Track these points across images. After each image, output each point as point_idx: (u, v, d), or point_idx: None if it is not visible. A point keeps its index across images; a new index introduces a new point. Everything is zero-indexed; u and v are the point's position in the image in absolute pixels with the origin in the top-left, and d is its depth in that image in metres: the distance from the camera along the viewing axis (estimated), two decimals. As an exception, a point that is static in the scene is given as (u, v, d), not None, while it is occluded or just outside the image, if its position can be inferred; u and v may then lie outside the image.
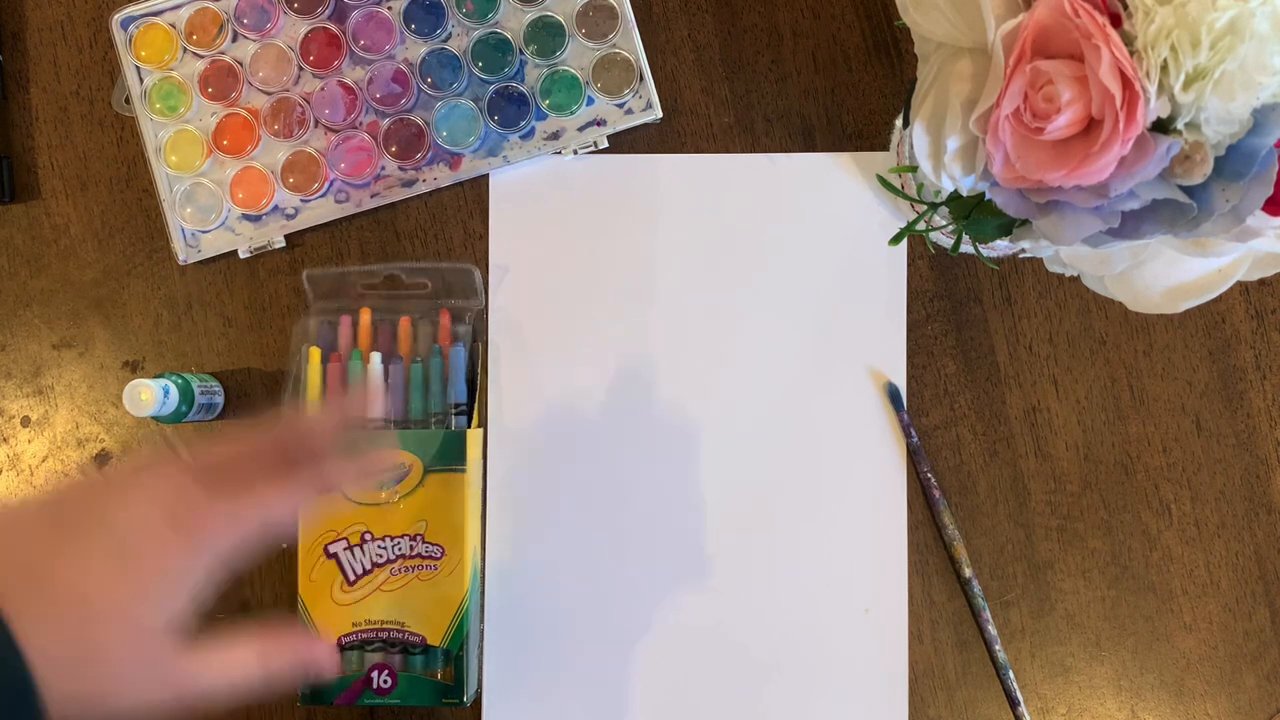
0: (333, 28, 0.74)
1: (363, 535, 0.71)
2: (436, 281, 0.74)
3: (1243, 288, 0.73)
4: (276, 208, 0.75)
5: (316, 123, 0.74)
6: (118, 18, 0.74)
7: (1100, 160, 0.44)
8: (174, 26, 0.74)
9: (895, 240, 0.60)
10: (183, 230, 0.75)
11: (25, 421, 0.75)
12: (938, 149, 0.50)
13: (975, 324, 0.74)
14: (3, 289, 0.75)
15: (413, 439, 0.71)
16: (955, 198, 0.55)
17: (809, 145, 0.75)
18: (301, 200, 0.75)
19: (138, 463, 0.48)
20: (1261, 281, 0.73)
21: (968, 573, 0.72)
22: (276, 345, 0.75)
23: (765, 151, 0.75)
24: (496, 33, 0.74)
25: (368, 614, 0.71)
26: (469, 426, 0.73)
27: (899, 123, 0.70)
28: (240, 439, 0.49)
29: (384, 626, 0.71)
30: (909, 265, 0.74)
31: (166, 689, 0.45)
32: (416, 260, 0.75)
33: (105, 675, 0.43)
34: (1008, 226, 0.54)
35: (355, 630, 0.71)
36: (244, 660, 0.47)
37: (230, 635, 0.47)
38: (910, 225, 0.60)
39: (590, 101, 0.74)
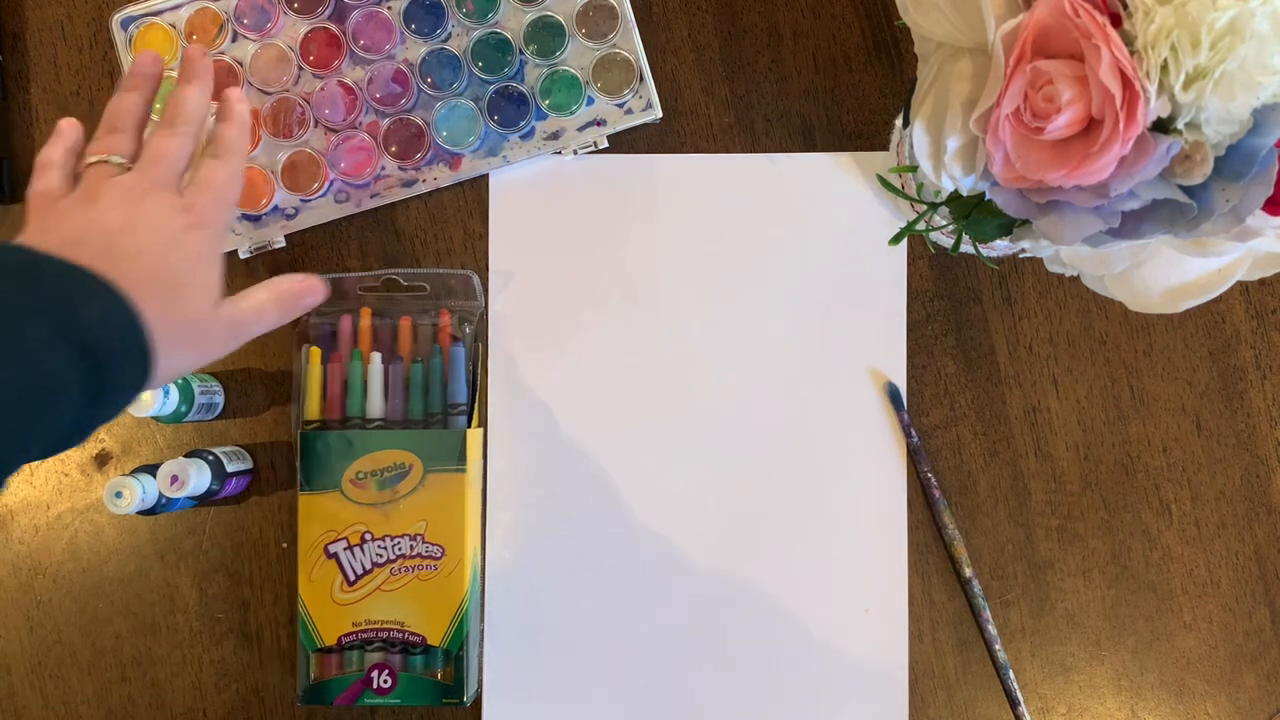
0: (333, 28, 0.74)
1: (363, 535, 0.71)
2: (435, 285, 0.74)
3: (1243, 288, 0.73)
4: (276, 208, 0.75)
5: (316, 123, 0.74)
6: (118, 18, 0.74)
7: (1100, 160, 0.44)
8: (174, 27, 0.74)
9: (895, 240, 0.60)
10: (183, 230, 0.74)
11: (25, 421, 0.75)
12: (938, 149, 0.50)
13: (975, 324, 0.74)
14: (3, 289, 0.75)
15: (413, 439, 0.71)
16: (955, 198, 0.55)
17: (809, 145, 0.75)
18: (301, 200, 0.75)
19: (138, 189, 0.60)
20: (1261, 281, 0.73)
21: (968, 572, 0.72)
22: (276, 345, 0.75)
23: (765, 151, 0.75)
24: (496, 33, 0.74)
25: (368, 614, 0.71)
26: (469, 426, 0.73)
27: (899, 123, 0.70)
28: (168, 130, 0.63)
29: (384, 626, 0.71)
30: (909, 265, 0.74)
31: (221, 326, 0.61)
32: (416, 262, 0.75)
33: (192, 330, 0.59)
34: (1008, 226, 0.54)
35: (355, 630, 0.71)
36: (261, 296, 0.63)
37: (250, 289, 0.63)
38: (910, 225, 0.60)
39: (590, 101, 0.74)
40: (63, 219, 0.59)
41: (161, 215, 0.59)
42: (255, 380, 0.75)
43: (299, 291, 0.65)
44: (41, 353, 0.50)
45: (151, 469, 0.69)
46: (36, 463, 0.74)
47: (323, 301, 0.66)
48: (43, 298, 0.52)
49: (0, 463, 0.51)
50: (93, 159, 0.62)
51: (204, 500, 0.71)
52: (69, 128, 0.64)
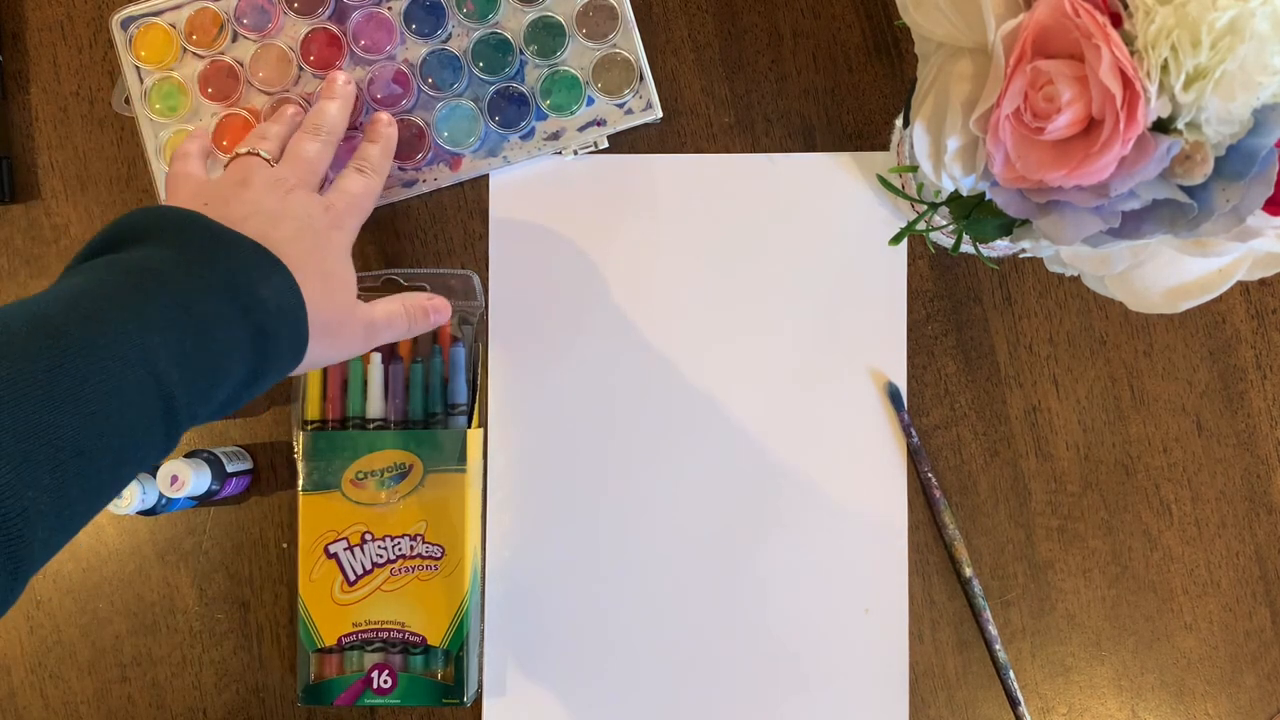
0: (333, 28, 0.74)
1: (363, 535, 0.71)
2: (435, 285, 0.74)
3: (1243, 288, 0.73)
4: (276, 208, 0.75)
5: (316, 123, 0.74)
6: (118, 18, 0.74)
7: (1101, 160, 0.44)
8: (174, 27, 0.74)
9: (895, 240, 0.60)
10: (183, 230, 0.74)
11: (25, 422, 0.75)
12: (938, 149, 0.50)
13: (975, 324, 0.74)
14: (2, 289, 0.75)
15: (413, 439, 0.71)
16: (955, 198, 0.55)
17: (809, 145, 0.75)
18: (301, 200, 0.75)
19: (284, 186, 0.64)
20: (1262, 281, 0.73)
21: (968, 572, 0.72)
22: (277, 345, 0.75)
23: (765, 151, 0.75)
24: (497, 33, 0.74)
25: (368, 614, 0.71)
26: (469, 426, 0.73)
27: (899, 123, 0.70)
28: (312, 138, 0.68)
29: (384, 626, 0.71)
30: (909, 265, 0.74)
31: (359, 324, 0.63)
32: (416, 262, 0.75)
33: (336, 323, 0.61)
34: (1008, 226, 0.54)
35: (355, 630, 0.71)
36: (395, 306, 0.66)
37: (384, 298, 0.66)
38: (910, 225, 0.60)
39: (590, 102, 0.74)
40: (225, 197, 0.61)
41: (309, 208, 0.62)
42: (255, 380, 0.75)
43: (428, 309, 0.68)
44: (223, 327, 0.53)
45: (151, 469, 0.69)
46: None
47: (446, 323, 0.70)
48: (226, 270, 0.54)
49: (181, 421, 0.52)
50: (243, 150, 0.65)
51: (204, 500, 0.71)
52: (202, 132, 0.69)
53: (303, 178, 0.65)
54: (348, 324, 0.62)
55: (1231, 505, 0.73)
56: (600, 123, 0.74)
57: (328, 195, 0.65)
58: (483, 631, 0.74)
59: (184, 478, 0.68)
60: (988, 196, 0.51)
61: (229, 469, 0.71)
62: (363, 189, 0.67)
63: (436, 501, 0.71)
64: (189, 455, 0.71)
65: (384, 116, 0.70)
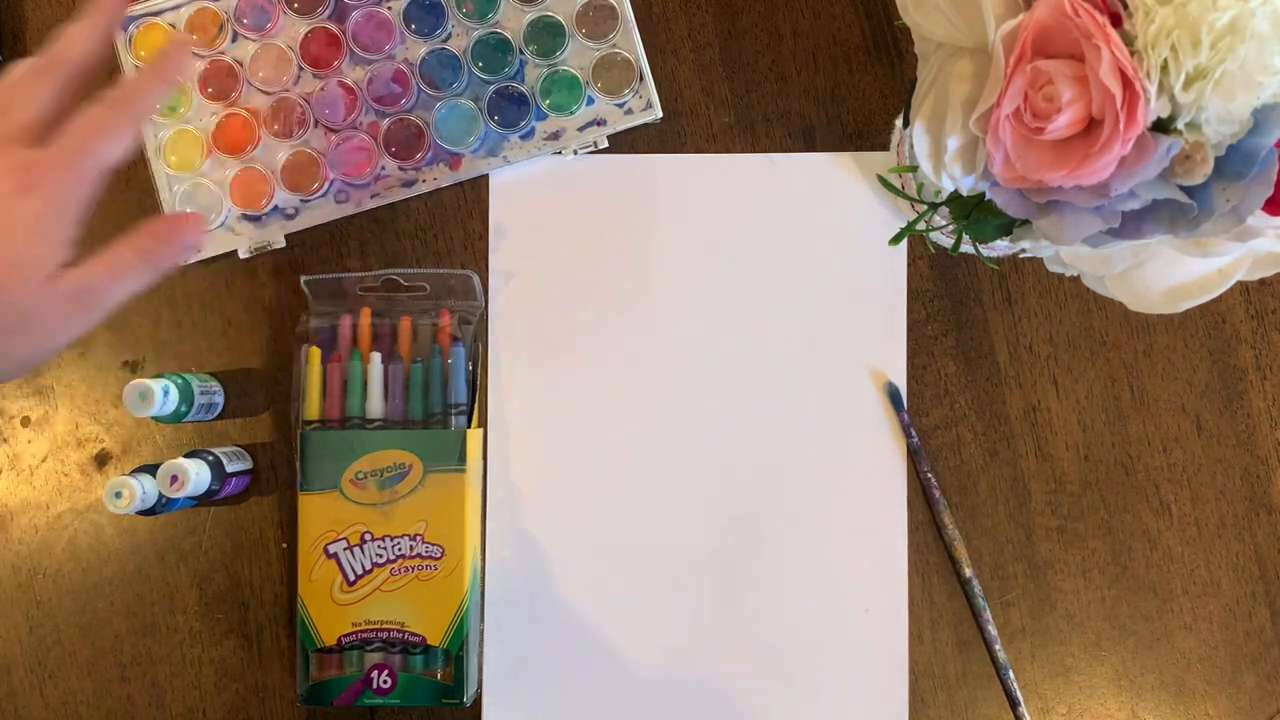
0: (332, 28, 0.74)
1: (363, 535, 0.71)
2: (435, 285, 0.74)
3: (1243, 288, 0.73)
4: (276, 208, 0.75)
5: (316, 123, 0.74)
6: (117, 18, 0.74)
7: (1100, 160, 0.44)
8: (174, 27, 0.74)
9: (895, 240, 0.60)
10: (183, 230, 0.74)
11: (25, 421, 0.75)
12: (938, 149, 0.50)
13: (975, 324, 0.74)
14: (2, 289, 0.75)
15: (412, 439, 0.71)
16: (955, 198, 0.55)
17: (809, 145, 0.75)
18: (301, 200, 0.75)
19: None
20: (1262, 282, 0.73)
21: (968, 572, 0.72)
22: (276, 345, 0.75)
23: (765, 151, 0.75)
24: (496, 33, 0.74)
25: (368, 614, 0.71)
26: (469, 426, 0.73)
27: (899, 123, 0.70)
28: (31, 73, 0.55)
29: (384, 626, 0.71)
30: (909, 265, 0.74)
31: (62, 300, 0.52)
32: (416, 262, 0.75)
33: (12, 316, 0.51)
34: (1008, 226, 0.54)
35: (355, 630, 0.71)
36: (121, 255, 0.54)
37: (107, 243, 0.55)
38: (910, 225, 0.60)
39: (590, 101, 0.74)
40: None
41: None
42: (255, 380, 0.75)
43: (166, 233, 0.55)
44: None
45: (151, 469, 0.69)
46: (36, 463, 0.74)
47: (202, 241, 0.60)
48: None
49: None
50: None
51: (204, 500, 0.71)
52: None
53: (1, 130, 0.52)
54: (35, 310, 0.51)
55: (1231, 505, 0.73)
56: (600, 123, 0.74)
57: (40, 147, 0.52)
58: (482, 631, 0.74)
59: (184, 478, 0.68)
60: (988, 196, 0.51)
61: (229, 469, 0.71)
62: (93, 127, 0.53)
63: (436, 501, 0.71)
64: (189, 455, 0.71)
65: (179, 43, 0.57)
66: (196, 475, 0.68)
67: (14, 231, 0.51)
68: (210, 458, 0.70)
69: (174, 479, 0.68)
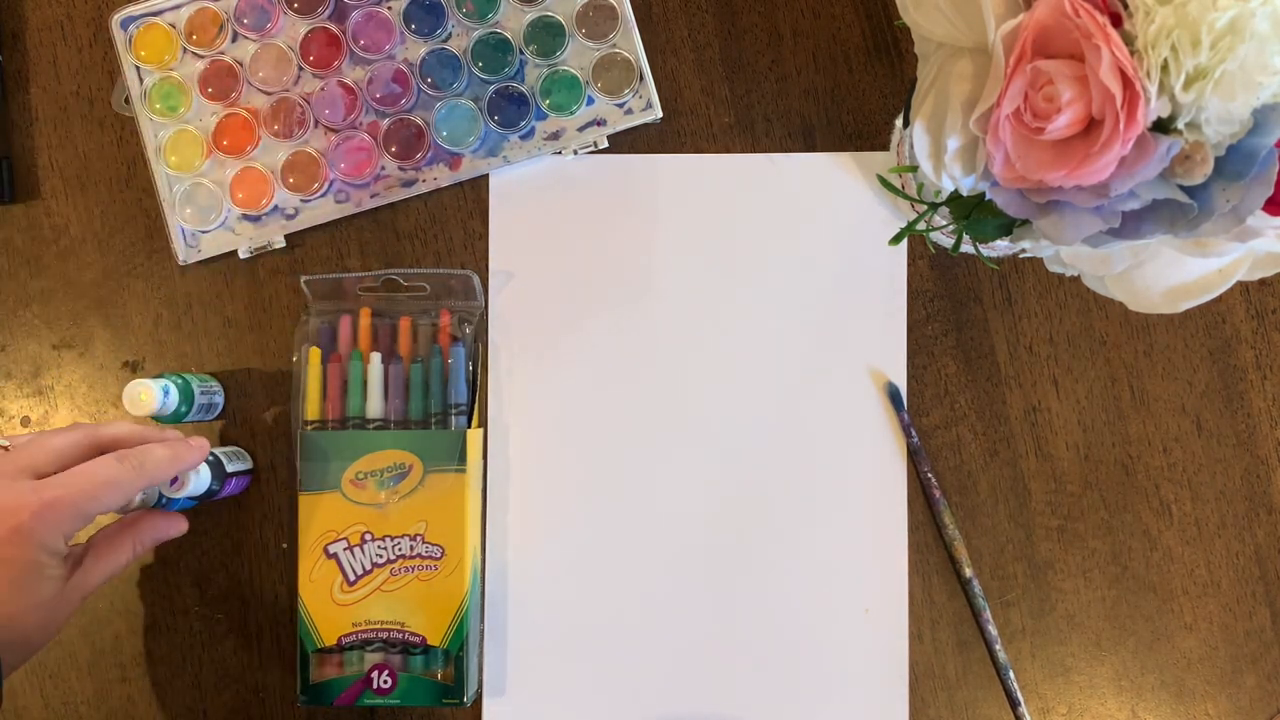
0: (333, 28, 0.74)
1: (363, 535, 0.71)
2: (435, 285, 0.74)
3: (1243, 288, 0.73)
4: (276, 208, 0.75)
5: (316, 123, 0.74)
6: (118, 17, 0.74)
7: (1101, 160, 0.44)
8: (174, 26, 0.74)
9: (895, 240, 0.60)
10: (182, 230, 0.75)
11: (25, 422, 0.75)
12: (938, 149, 0.50)
13: (976, 324, 0.74)
14: (3, 289, 0.75)
15: (412, 439, 0.71)
16: (955, 198, 0.55)
17: (809, 145, 0.75)
18: (301, 200, 0.75)
19: None
20: (1262, 281, 0.73)
21: (968, 573, 0.72)
22: (276, 345, 0.75)
23: (765, 151, 0.75)
24: (496, 33, 0.74)
25: (368, 614, 0.71)
26: (469, 426, 0.73)
27: (899, 123, 0.70)
28: (55, 434, 0.63)
29: (384, 627, 0.71)
30: (909, 265, 0.74)
31: (72, 606, 0.62)
32: (416, 262, 0.75)
33: (40, 625, 0.60)
34: (1008, 226, 0.54)
35: (355, 630, 0.71)
36: (121, 561, 0.65)
37: (107, 538, 0.65)
38: (910, 225, 0.60)
39: (590, 101, 0.74)
40: None
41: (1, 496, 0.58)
42: (255, 380, 0.75)
43: (161, 538, 0.67)
44: None
45: None
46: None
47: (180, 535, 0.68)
48: None
49: None
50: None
51: (204, 500, 0.71)
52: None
53: (25, 465, 0.60)
54: (55, 618, 0.61)
55: (1231, 505, 0.73)
56: (600, 122, 0.74)
57: (50, 477, 0.60)
58: (482, 631, 0.74)
59: (184, 478, 0.68)
60: (988, 196, 0.51)
61: (229, 469, 0.71)
62: (104, 478, 0.61)
63: (436, 501, 0.71)
64: None
65: (198, 441, 0.66)
66: (197, 476, 0.68)
67: (17, 564, 0.58)
68: (211, 458, 0.70)
69: (174, 480, 0.68)
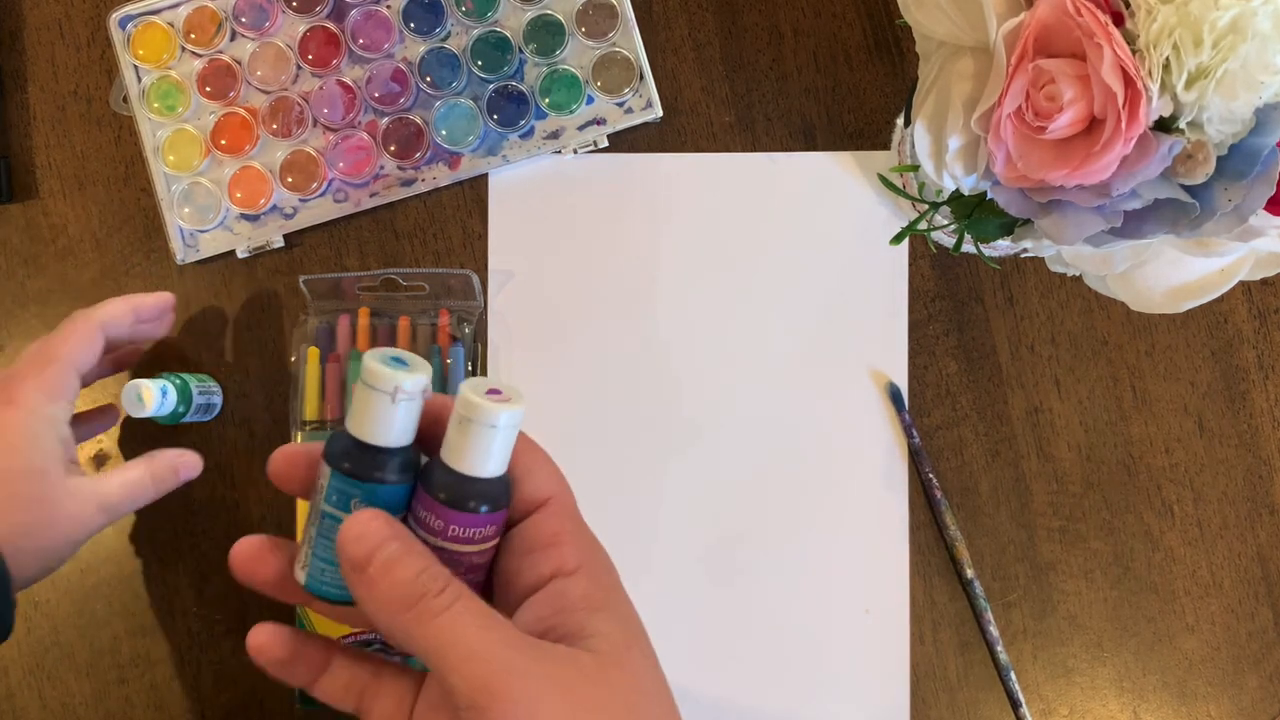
0: (331, 26, 0.74)
1: (362, 536, 0.71)
2: (434, 285, 0.73)
3: (1245, 288, 0.73)
4: (275, 207, 0.74)
5: (315, 122, 0.74)
6: (115, 16, 0.74)
7: (1102, 159, 0.44)
8: (172, 25, 0.74)
9: (896, 240, 0.60)
10: (181, 230, 0.74)
11: (23, 422, 0.75)
12: (939, 148, 0.50)
13: (977, 324, 0.73)
14: (1, 289, 0.75)
15: (412, 439, 0.71)
16: (957, 197, 0.55)
17: (809, 144, 0.74)
18: (300, 200, 0.74)
19: None
20: (1264, 281, 0.73)
21: (970, 574, 0.72)
22: (275, 345, 0.75)
23: (765, 151, 0.74)
24: (496, 31, 0.73)
25: (367, 615, 0.71)
26: (468, 427, 0.72)
27: (900, 122, 0.69)
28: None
29: (383, 627, 0.71)
30: (910, 265, 0.74)
31: (90, 505, 0.61)
32: (415, 262, 0.75)
33: (43, 521, 0.59)
34: (1009, 226, 0.54)
35: (354, 632, 0.71)
36: (136, 473, 0.65)
37: (125, 465, 0.66)
38: (912, 225, 0.60)
39: (590, 100, 0.74)
40: None
41: None
42: (254, 380, 0.75)
43: (177, 466, 0.67)
44: None
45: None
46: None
47: (196, 475, 0.69)
48: None
49: None
50: None
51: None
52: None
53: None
54: (57, 515, 0.60)
55: (1234, 506, 0.73)
56: (600, 121, 0.74)
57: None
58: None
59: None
60: (989, 196, 0.51)
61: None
62: (75, 340, 0.65)
63: (435, 502, 0.71)
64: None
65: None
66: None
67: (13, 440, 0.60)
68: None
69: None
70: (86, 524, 0.61)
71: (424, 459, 0.43)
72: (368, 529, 0.39)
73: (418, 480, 0.42)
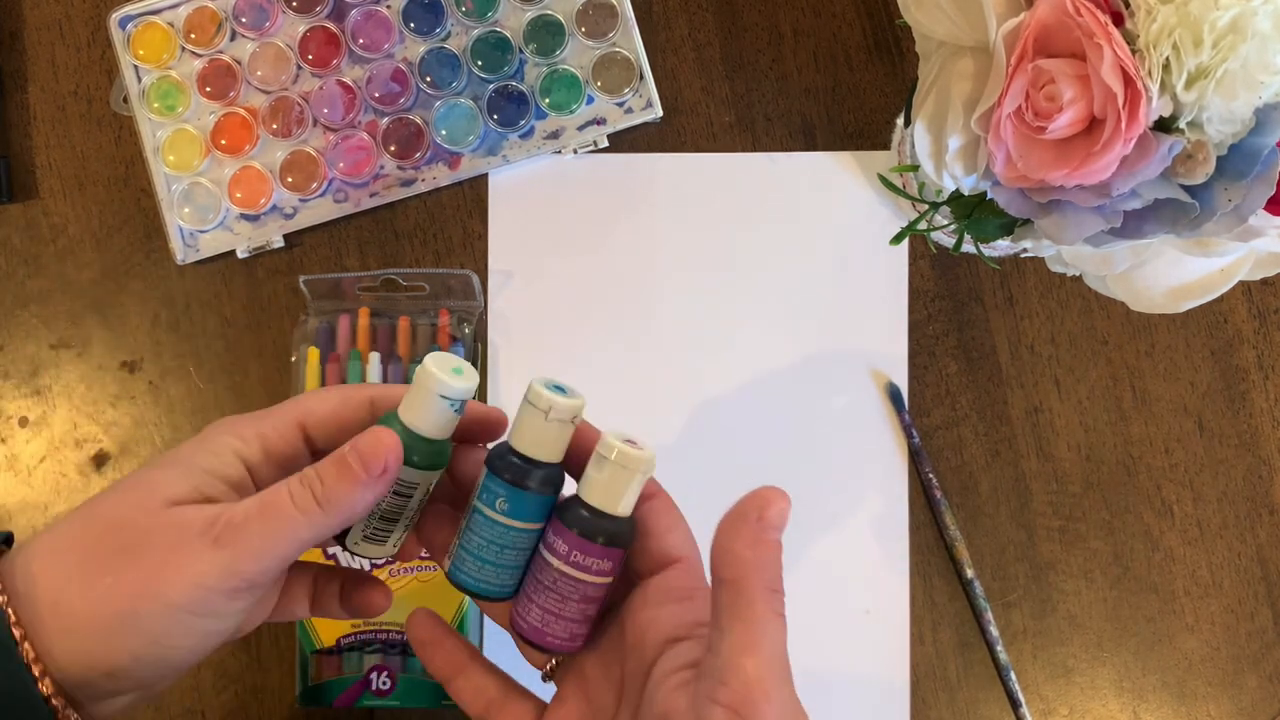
0: (331, 26, 0.74)
1: (362, 536, 0.71)
2: (434, 285, 0.73)
3: (1245, 288, 0.73)
4: (275, 207, 0.74)
5: (315, 122, 0.74)
6: (116, 16, 0.74)
7: (1102, 159, 0.44)
8: (172, 25, 0.74)
9: (896, 240, 0.60)
10: (181, 230, 0.74)
11: (23, 422, 0.75)
12: (939, 148, 0.50)
13: (977, 324, 0.73)
14: (0, 289, 0.75)
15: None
16: (957, 197, 0.55)
17: (809, 144, 0.74)
18: (300, 200, 0.74)
19: None
20: (1264, 281, 0.73)
21: (970, 574, 0.72)
22: (275, 345, 0.75)
23: (765, 151, 0.74)
24: (496, 31, 0.73)
25: (367, 615, 0.71)
26: (468, 427, 0.72)
27: (900, 122, 0.69)
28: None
29: (383, 628, 0.71)
30: (910, 265, 0.74)
31: (182, 526, 0.42)
32: (415, 262, 0.75)
33: (137, 529, 0.43)
34: (1009, 226, 0.54)
35: (355, 631, 0.71)
36: (279, 492, 0.44)
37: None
38: (911, 225, 0.60)
39: (590, 100, 0.74)
40: None
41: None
42: (254, 380, 0.75)
43: (356, 468, 0.45)
44: None
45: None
46: (34, 463, 0.74)
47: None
48: None
49: None
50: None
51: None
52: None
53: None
54: (156, 528, 0.42)
55: (1233, 506, 0.73)
56: (600, 121, 0.74)
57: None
58: (483, 633, 0.74)
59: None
60: (989, 196, 0.51)
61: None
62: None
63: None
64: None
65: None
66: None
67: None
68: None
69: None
70: (181, 559, 0.43)
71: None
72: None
73: (554, 502, 0.49)
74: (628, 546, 0.49)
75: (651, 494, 0.50)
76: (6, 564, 0.42)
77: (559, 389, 0.48)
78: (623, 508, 0.48)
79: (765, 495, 0.45)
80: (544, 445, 0.48)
